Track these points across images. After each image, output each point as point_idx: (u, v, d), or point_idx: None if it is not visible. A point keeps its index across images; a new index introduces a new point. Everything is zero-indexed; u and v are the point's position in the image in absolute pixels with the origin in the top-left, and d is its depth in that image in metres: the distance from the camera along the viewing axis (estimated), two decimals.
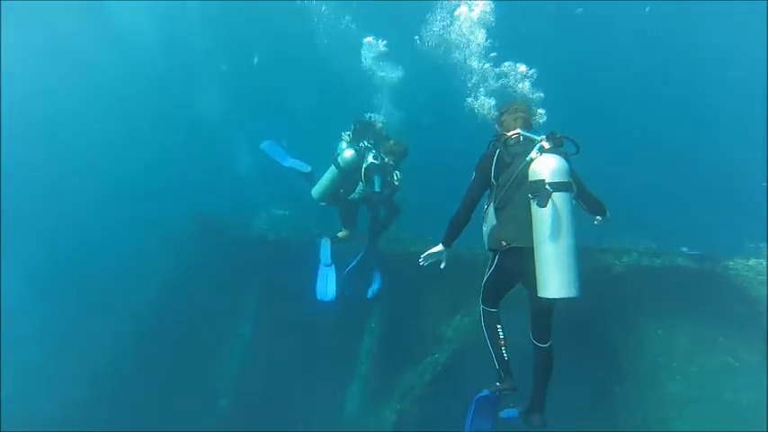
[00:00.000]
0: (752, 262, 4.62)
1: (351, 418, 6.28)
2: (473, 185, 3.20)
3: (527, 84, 4.24)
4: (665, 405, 4.71)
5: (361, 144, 5.35)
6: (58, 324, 7.99)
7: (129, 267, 8.16)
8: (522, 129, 3.18)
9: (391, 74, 6.55)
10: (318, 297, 5.63)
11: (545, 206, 2.73)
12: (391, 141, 5.29)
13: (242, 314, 7.49)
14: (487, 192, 3.24)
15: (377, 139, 5.51)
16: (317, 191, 5.61)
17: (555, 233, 2.74)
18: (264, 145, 6.45)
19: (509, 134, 3.19)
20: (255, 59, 10.54)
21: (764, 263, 4.58)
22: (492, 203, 3.12)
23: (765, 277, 4.47)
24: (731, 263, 4.68)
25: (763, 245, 4.74)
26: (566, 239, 2.76)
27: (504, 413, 3.21)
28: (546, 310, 3.01)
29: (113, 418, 6.54)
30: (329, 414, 6.50)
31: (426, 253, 3.35)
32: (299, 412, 6.70)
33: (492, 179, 3.12)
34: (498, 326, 3.16)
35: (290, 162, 6.23)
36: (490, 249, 3.16)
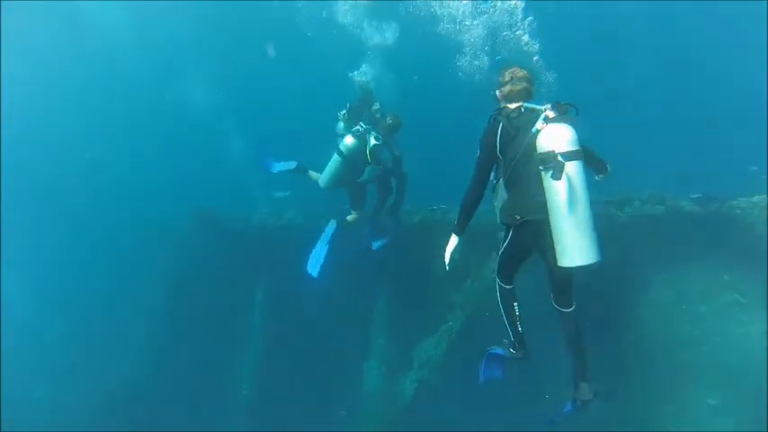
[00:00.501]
0: (756, 199, 4.66)
1: (371, 392, 6.45)
2: (480, 162, 3.14)
3: (525, 36, 4.09)
4: (676, 348, 4.86)
5: (358, 127, 5.32)
6: (78, 327, 8.15)
7: (136, 268, 8.24)
8: (523, 100, 3.10)
9: (380, 35, 6.42)
10: (307, 268, 5.74)
11: (560, 179, 2.70)
12: (387, 119, 5.26)
13: (252, 302, 7.60)
14: (495, 166, 3.18)
15: (372, 117, 5.49)
16: (323, 180, 5.66)
17: (571, 203, 2.74)
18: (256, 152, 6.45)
19: (511, 107, 3.10)
20: (270, 51, 10.35)
21: (754, 199, 4.61)
22: (502, 178, 3.08)
23: (756, 215, 4.52)
24: (736, 202, 4.72)
25: (764, 177, 4.76)
26: (582, 207, 2.77)
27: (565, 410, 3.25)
28: (566, 277, 3.02)
29: (137, 418, 6.76)
30: (349, 390, 6.67)
31: (447, 255, 3.30)
32: (320, 392, 6.88)
33: (498, 154, 3.06)
34: (514, 303, 3.25)
35: (278, 167, 6.25)
36: (503, 223, 3.14)
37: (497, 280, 3.29)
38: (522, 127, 2.96)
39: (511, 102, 3.13)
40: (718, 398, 4.44)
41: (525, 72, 3.17)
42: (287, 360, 7.07)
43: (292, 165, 6.13)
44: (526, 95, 3.12)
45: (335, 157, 5.45)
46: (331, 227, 5.84)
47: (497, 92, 3.24)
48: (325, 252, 5.76)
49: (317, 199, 6.77)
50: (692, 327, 4.90)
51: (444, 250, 3.32)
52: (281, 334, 7.25)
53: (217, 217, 7.49)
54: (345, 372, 6.79)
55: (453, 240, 3.28)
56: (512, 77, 3.13)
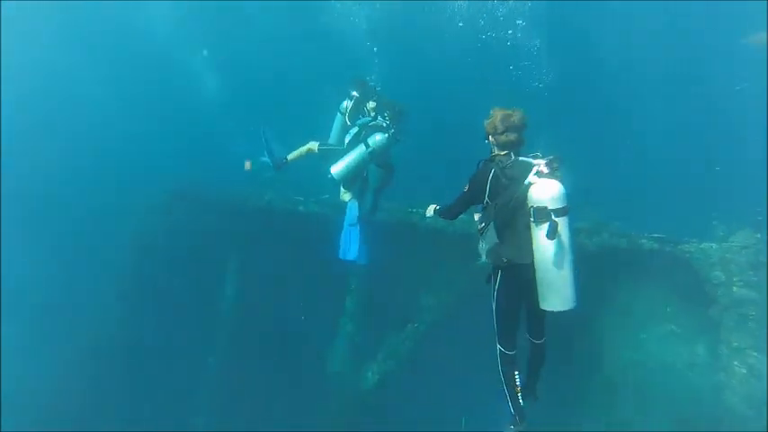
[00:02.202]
0: (704, 245, 5.32)
1: (335, 374, 6.94)
2: (465, 199, 3.51)
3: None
4: (616, 368, 5.63)
5: (383, 122, 5.46)
6: (44, 301, 8.13)
7: (110, 238, 8.24)
8: (515, 148, 3.38)
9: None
10: (341, 256, 5.82)
11: (554, 238, 3.00)
12: (396, 107, 5.45)
13: (225, 277, 7.83)
14: (482, 208, 3.51)
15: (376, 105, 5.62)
16: (341, 172, 5.46)
17: (556, 256, 3.07)
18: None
19: (502, 154, 3.41)
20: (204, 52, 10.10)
21: (714, 246, 5.28)
22: (492, 222, 3.37)
23: (714, 260, 5.20)
24: (687, 246, 5.37)
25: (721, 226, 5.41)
26: (567, 260, 3.10)
27: None
28: (541, 314, 3.38)
29: (105, 386, 6.97)
30: (314, 370, 7.13)
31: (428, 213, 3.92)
32: (286, 369, 7.31)
33: (486, 198, 3.37)
34: (516, 372, 3.41)
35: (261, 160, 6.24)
36: (491, 264, 3.46)
37: (498, 346, 3.43)
38: (514, 177, 3.26)
39: (504, 149, 3.40)
40: (644, 415, 5.26)
41: (520, 118, 3.37)
42: (255, 335, 7.40)
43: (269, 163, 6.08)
44: (519, 144, 3.40)
45: (364, 152, 5.35)
46: (353, 207, 5.82)
47: (491, 138, 3.46)
48: (357, 232, 5.79)
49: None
50: (632, 351, 5.66)
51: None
52: (251, 309, 7.54)
53: (194, 191, 7.54)
54: (312, 352, 7.23)
55: (430, 212, 3.87)
56: (507, 128, 3.35)
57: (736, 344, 4.87)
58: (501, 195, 3.30)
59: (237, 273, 7.78)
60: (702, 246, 5.33)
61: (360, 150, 5.37)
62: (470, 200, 3.50)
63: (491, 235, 3.38)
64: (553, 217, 3.05)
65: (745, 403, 4.63)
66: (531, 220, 3.13)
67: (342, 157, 5.47)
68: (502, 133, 3.37)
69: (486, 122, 3.49)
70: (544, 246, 3.09)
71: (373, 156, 5.38)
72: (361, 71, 6.21)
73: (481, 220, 3.49)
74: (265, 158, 6.16)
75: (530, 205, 3.16)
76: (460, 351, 5.59)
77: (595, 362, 5.72)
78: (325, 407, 6.68)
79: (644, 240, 5.56)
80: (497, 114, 3.41)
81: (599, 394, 5.58)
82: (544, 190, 3.12)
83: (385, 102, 5.63)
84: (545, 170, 3.17)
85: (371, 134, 5.38)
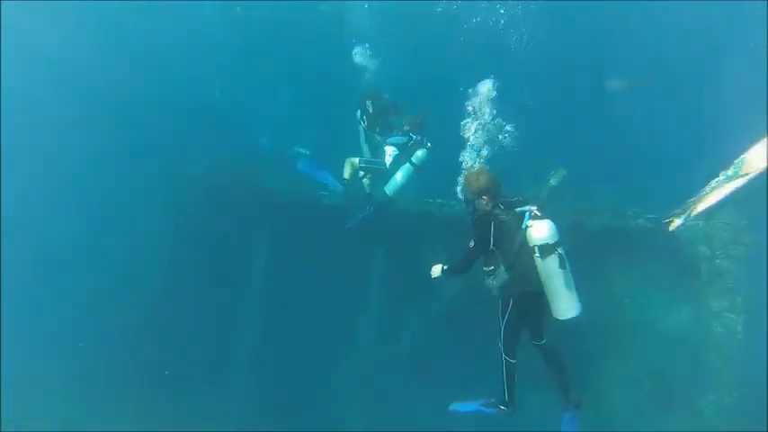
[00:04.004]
0: (692, 223, 6.24)
1: (363, 346, 7.96)
2: (473, 251, 4.25)
3: None
4: (616, 328, 6.66)
5: (416, 137, 6.38)
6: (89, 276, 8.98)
7: (143, 220, 9.04)
8: (500, 199, 4.24)
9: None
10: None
11: (565, 267, 3.90)
12: (417, 120, 6.36)
13: (256, 254, 8.64)
14: (488, 254, 4.24)
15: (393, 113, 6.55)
16: (394, 189, 6.53)
17: (560, 277, 3.97)
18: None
19: (491, 206, 4.22)
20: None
21: (701, 224, 6.20)
22: (502, 265, 4.14)
23: (699, 236, 6.14)
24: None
25: None
26: (569, 277, 3.99)
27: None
28: (540, 322, 4.25)
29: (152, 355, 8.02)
30: (342, 343, 8.07)
31: (432, 273, 4.64)
32: (317, 339, 8.26)
33: (491, 246, 4.15)
34: (515, 374, 4.26)
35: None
36: (505, 297, 4.21)
37: (504, 356, 4.24)
38: (513, 224, 4.12)
39: (493, 205, 4.23)
40: (638, 371, 6.44)
41: (494, 185, 4.26)
42: (287, 309, 8.15)
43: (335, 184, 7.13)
44: (499, 200, 4.25)
45: (410, 168, 6.40)
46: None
47: (478, 199, 4.28)
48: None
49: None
50: (631, 314, 6.69)
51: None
52: (282, 284, 8.25)
53: (225, 175, 8.22)
54: (339, 324, 8.05)
55: (437, 272, 4.58)
56: (489, 186, 4.26)
57: (715, 309, 5.91)
58: (503, 242, 4.13)
59: (268, 249, 8.59)
60: (690, 224, 6.25)
61: (408, 169, 6.39)
62: (478, 252, 4.27)
63: (501, 274, 4.18)
64: (558, 251, 3.93)
65: (721, 358, 5.71)
66: (537, 255, 4.00)
67: (390, 176, 6.49)
68: (487, 192, 4.25)
69: (467, 188, 4.35)
70: (550, 272, 3.97)
71: (420, 169, 6.39)
72: (368, 81, 7.04)
73: (489, 263, 4.26)
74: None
75: (532, 245, 4.02)
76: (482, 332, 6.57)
77: (601, 323, 6.48)
78: (352, 376, 7.72)
79: (641, 220, 6.49)
80: (479, 180, 4.28)
81: (606, 353, 6.63)
82: (542, 230, 4.01)
83: (408, 117, 6.46)
84: (538, 213, 4.06)
85: (413, 152, 6.33)
